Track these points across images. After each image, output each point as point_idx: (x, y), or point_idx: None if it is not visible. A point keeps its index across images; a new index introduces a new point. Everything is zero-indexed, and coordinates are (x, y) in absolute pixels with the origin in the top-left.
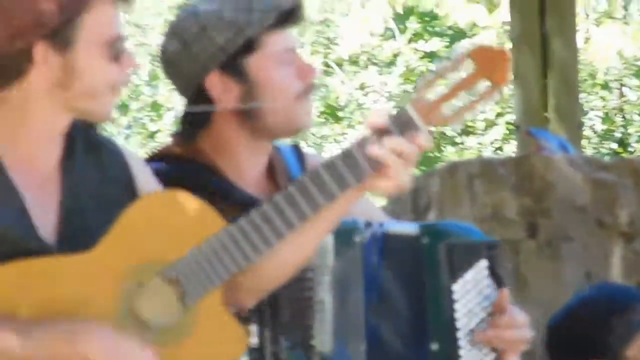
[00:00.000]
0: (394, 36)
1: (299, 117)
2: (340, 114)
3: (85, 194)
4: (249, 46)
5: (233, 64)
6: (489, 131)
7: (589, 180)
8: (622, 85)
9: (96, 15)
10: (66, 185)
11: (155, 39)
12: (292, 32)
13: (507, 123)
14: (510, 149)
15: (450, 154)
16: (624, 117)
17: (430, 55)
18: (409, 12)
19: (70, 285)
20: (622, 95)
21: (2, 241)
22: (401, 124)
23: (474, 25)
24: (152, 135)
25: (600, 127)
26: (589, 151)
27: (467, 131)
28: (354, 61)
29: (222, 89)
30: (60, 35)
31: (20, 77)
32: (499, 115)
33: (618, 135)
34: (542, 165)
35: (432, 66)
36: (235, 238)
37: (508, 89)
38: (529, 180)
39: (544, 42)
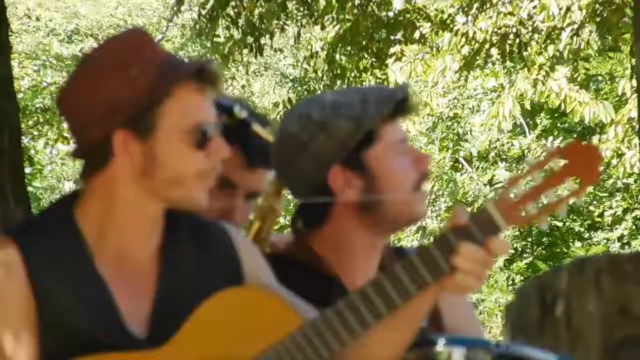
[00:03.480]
0: (523, 132)
1: (417, 206)
2: (468, 209)
3: (185, 282)
4: (369, 138)
5: (354, 157)
6: (616, 226)
7: None
8: None
9: (178, 102)
10: (163, 273)
11: None
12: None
13: (635, 218)
14: (638, 243)
15: (577, 249)
16: None
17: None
18: (538, 108)
19: None
20: None
21: (87, 336)
22: (482, 223)
23: (601, 121)
24: None
25: None
26: None
27: (594, 227)
28: (483, 157)
29: (343, 183)
30: (139, 122)
31: (104, 166)
32: (626, 210)
33: None
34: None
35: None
36: (310, 335)
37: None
38: None
39: None
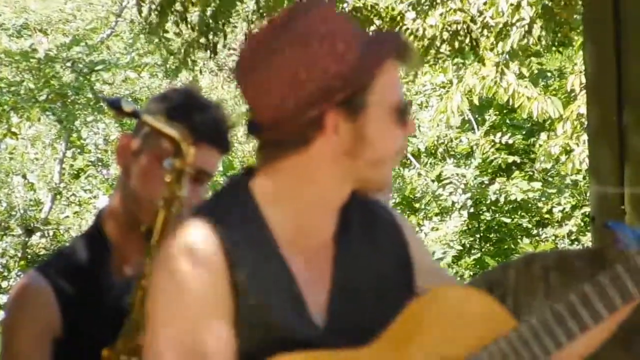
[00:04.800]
0: (472, 128)
1: None
2: (416, 205)
3: (357, 269)
4: None
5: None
6: (565, 223)
7: None
8: None
9: (385, 80)
10: (339, 260)
11: None
12: None
13: (583, 215)
14: (587, 240)
15: (526, 245)
16: None
17: (507, 147)
18: (487, 104)
19: None
20: None
21: (280, 330)
22: None
23: (550, 117)
24: None
25: None
26: None
27: (543, 223)
28: (431, 153)
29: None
30: (352, 101)
31: (306, 145)
32: (575, 207)
33: None
34: (618, 258)
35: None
36: (529, 338)
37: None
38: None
39: (621, 135)
